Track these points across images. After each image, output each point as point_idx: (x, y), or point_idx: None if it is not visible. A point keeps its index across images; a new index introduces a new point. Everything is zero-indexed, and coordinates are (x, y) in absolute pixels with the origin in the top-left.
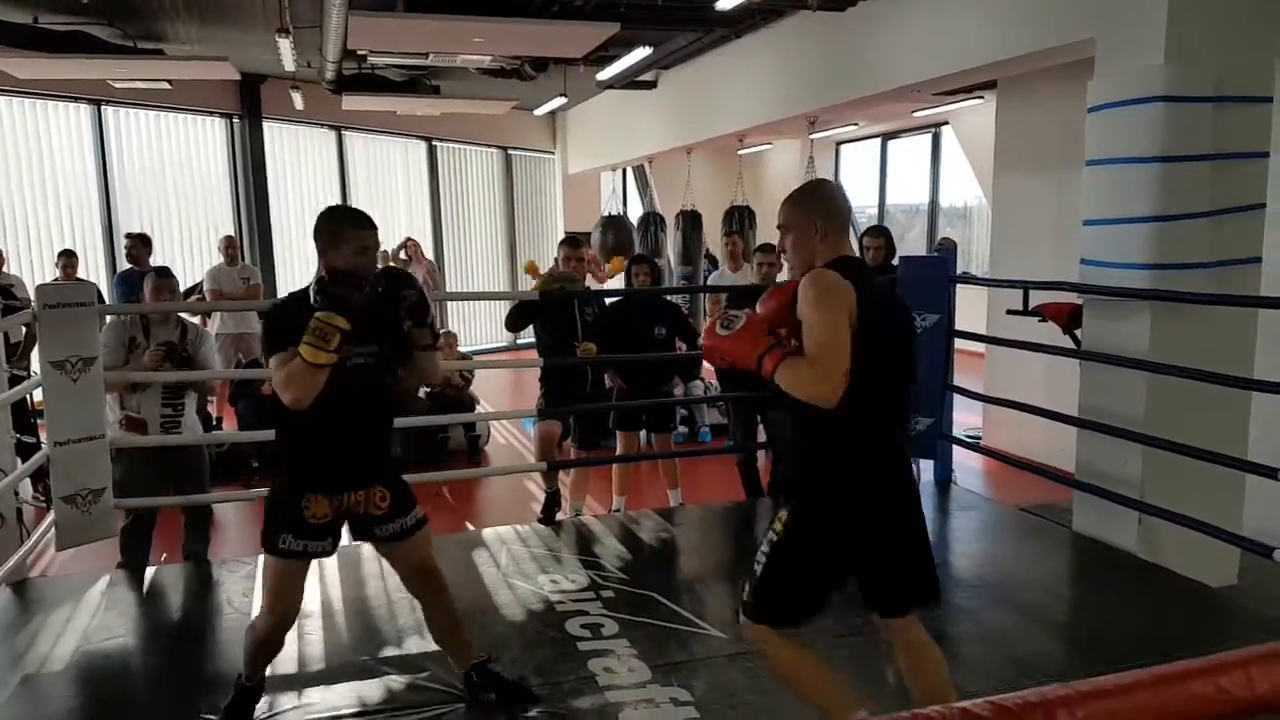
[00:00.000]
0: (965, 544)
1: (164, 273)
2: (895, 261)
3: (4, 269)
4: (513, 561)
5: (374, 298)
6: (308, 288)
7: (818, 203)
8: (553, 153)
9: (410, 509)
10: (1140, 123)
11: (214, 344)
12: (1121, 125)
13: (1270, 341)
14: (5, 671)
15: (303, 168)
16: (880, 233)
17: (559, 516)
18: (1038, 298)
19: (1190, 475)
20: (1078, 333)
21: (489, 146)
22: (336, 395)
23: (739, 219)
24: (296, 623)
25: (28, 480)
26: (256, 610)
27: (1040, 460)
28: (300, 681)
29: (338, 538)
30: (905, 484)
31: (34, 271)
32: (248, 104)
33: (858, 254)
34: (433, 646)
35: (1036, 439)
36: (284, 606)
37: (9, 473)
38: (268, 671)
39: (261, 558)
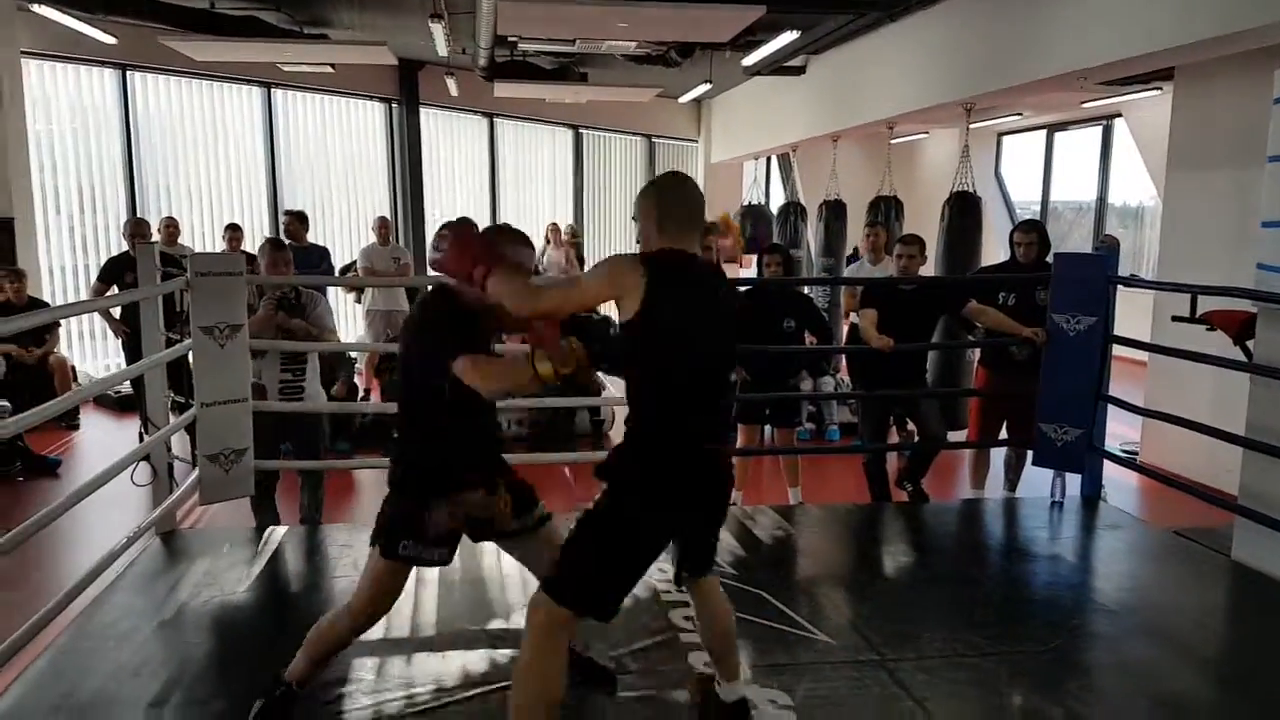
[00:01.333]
0: (1109, 565)
1: (277, 245)
2: (1050, 259)
3: (179, 241)
4: None
5: None
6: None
7: (662, 196)
8: (696, 140)
9: (536, 502)
10: None
11: (329, 307)
12: None
13: None
14: (145, 616)
15: (455, 152)
16: (1032, 228)
17: None
18: (1207, 304)
19: None
20: (1250, 344)
21: (633, 134)
22: (483, 402)
23: (884, 210)
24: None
25: (186, 438)
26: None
27: (1202, 481)
28: (413, 646)
29: (456, 546)
30: (699, 477)
31: (205, 244)
32: (406, 89)
33: (701, 253)
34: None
35: (1200, 458)
36: (377, 609)
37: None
38: (375, 636)
39: (369, 558)
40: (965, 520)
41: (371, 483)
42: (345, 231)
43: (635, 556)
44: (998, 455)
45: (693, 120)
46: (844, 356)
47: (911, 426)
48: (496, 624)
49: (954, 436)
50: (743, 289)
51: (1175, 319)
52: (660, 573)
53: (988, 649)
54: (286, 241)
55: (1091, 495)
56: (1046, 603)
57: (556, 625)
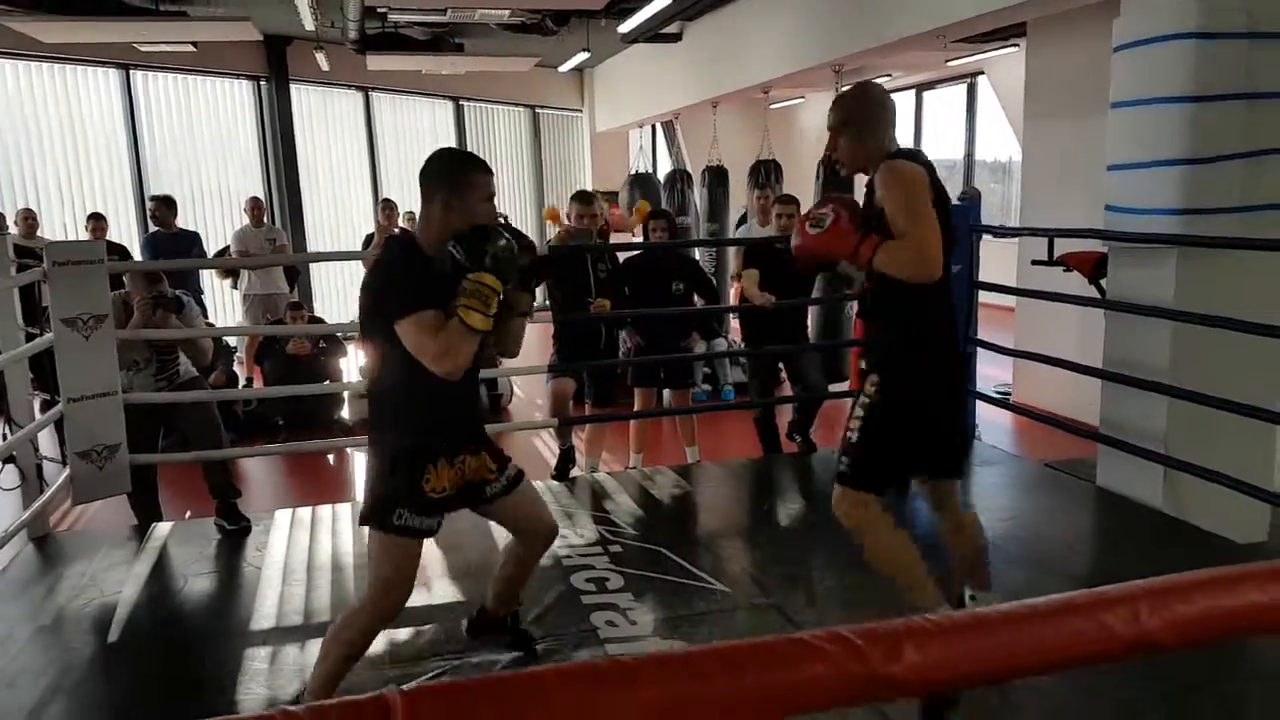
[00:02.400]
0: (987, 499)
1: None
2: None
3: (38, 233)
4: None
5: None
6: (410, 240)
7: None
8: (580, 110)
9: (507, 461)
10: (1169, 61)
11: (197, 311)
12: (1149, 64)
13: None
14: (20, 623)
15: (330, 130)
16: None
17: (574, 474)
18: (1063, 247)
19: (1218, 428)
20: (1103, 282)
21: (516, 105)
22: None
23: (765, 173)
24: (307, 576)
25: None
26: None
27: (1070, 416)
28: (306, 632)
29: (444, 516)
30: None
31: (68, 236)
32: (274, 66)
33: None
34: (435, 600)
35: (1066, 395)
36: (399, 596)
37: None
38: (268, 624)
39: (370, 542)
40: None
41: (259, 474)
42: (218, 216)
43: (917, 435)
44: None
45: (575, 90)
46: (735, 318)
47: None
48: None
49: (838, 388)
50: (631, 254)
51: (1035, 263)
52: (559, 539)
53: (874, 587)
54: (154, 229)
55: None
56: (929, 538)
57: (868, 508)
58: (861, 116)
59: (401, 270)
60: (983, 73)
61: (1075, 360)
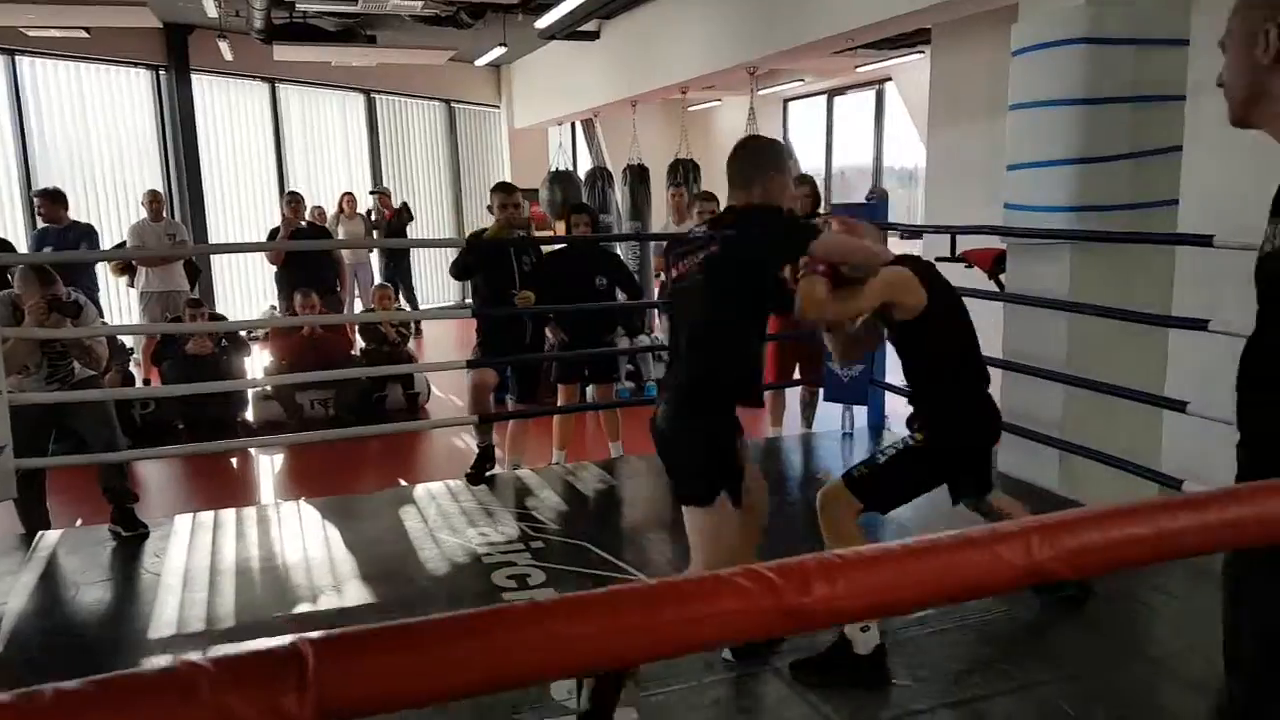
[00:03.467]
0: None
1: (46, 278)
2: (821, 209)
3: None
4: (441, 516)
5: None
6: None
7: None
8: (498, 106)
9: None
10: (1063, 65)
11: (95, 314)
12: (1044, 68)
13: (1187, 281)
14: None
15: (235, 121)
16: (804, 181)
17: (495, 472)
18: (965, 244)
19: (1109, 413)
20: (1002, 277)
21: (431, 99)
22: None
23: (683, 172)
24: (209, 581)
25: None
26: None
27: None
28: (209, 639)
29: None
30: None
31: None
32: (174, 55)
33: None
34: (349, 603)
35: None
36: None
37: None
38: (168, 632)
39: (691, 520)
40: (770, 456)
41: (158, 479)
42: (114, 210)
43: (927, 483)
44: (794, 395)
45: (493, 85)
46: (658, 315)
47: None
48: (302, 608)
49: None
50: (554, 249)
51: (938, 259)
52: (480, 537)
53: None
54: (43, 225)
55: (877, 424)
56: None
57: (852, 516)
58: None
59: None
60: (890, 79)
61: None
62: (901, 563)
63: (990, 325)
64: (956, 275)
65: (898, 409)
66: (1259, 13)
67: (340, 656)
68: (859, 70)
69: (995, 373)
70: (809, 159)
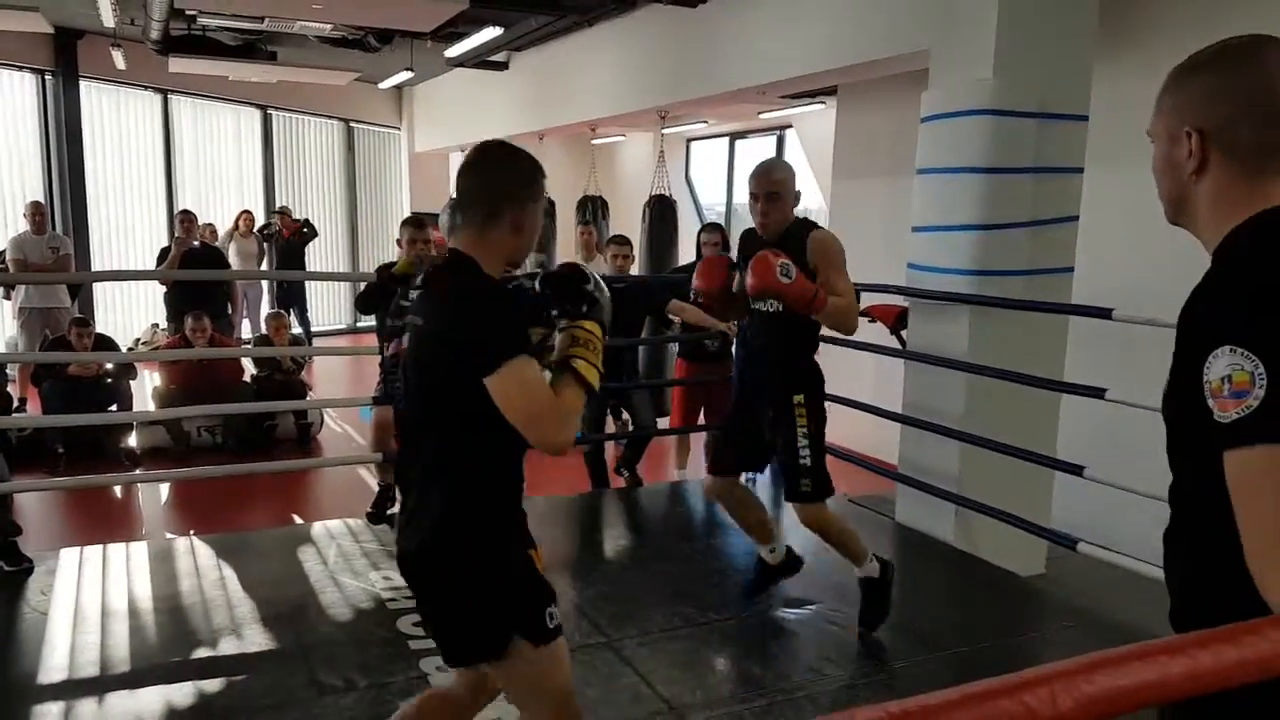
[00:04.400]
0: (796, 533)
1: None
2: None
3: None
4: (342, 558)
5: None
6: (476, 268)
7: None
8: (399, 128)
9: None
10: (968, 134)
11: None
12: (951, 136)
13: (1079, 346)
14: None
15: (123, 132)
16: (715, 229)
17: (393, 512)
18: (868, 299)
19: (1004, 471)
20: (904, 334)
21: (329, 118)
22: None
23: (593, 209)
24: (101, 622)
25: None
26: None
27: (868, 454)
28: (103, 685)
29: None
30: None
31: None
32: (63, 60)
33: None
34: (250, 648)
35: (865, 433)
36: (576, 708)
37: None
38: (59, 677)
39: (508, 668)
40: (675, 501)
41: (37, 509)
42: None
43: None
44: (698, 439)
45: (394, 107)
46: None
47: (626, 416)
48: (202, 652)
49: (662, 423)
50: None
51: None
52: (384, 580)
53: (699, 619)
54: None
55: (775, 469)
56: (747, 571)
57: (827, 510)
58: (792, 186)
59: (508, 305)
60: (790, 126)
61: (871, 403)
62: (937, 716)
63: (886, 377)
64: (861, 330)
65: None
66: (1177, 115)
67: None
68: (761, 116)
69: (895, 426)
70: (710, 196)
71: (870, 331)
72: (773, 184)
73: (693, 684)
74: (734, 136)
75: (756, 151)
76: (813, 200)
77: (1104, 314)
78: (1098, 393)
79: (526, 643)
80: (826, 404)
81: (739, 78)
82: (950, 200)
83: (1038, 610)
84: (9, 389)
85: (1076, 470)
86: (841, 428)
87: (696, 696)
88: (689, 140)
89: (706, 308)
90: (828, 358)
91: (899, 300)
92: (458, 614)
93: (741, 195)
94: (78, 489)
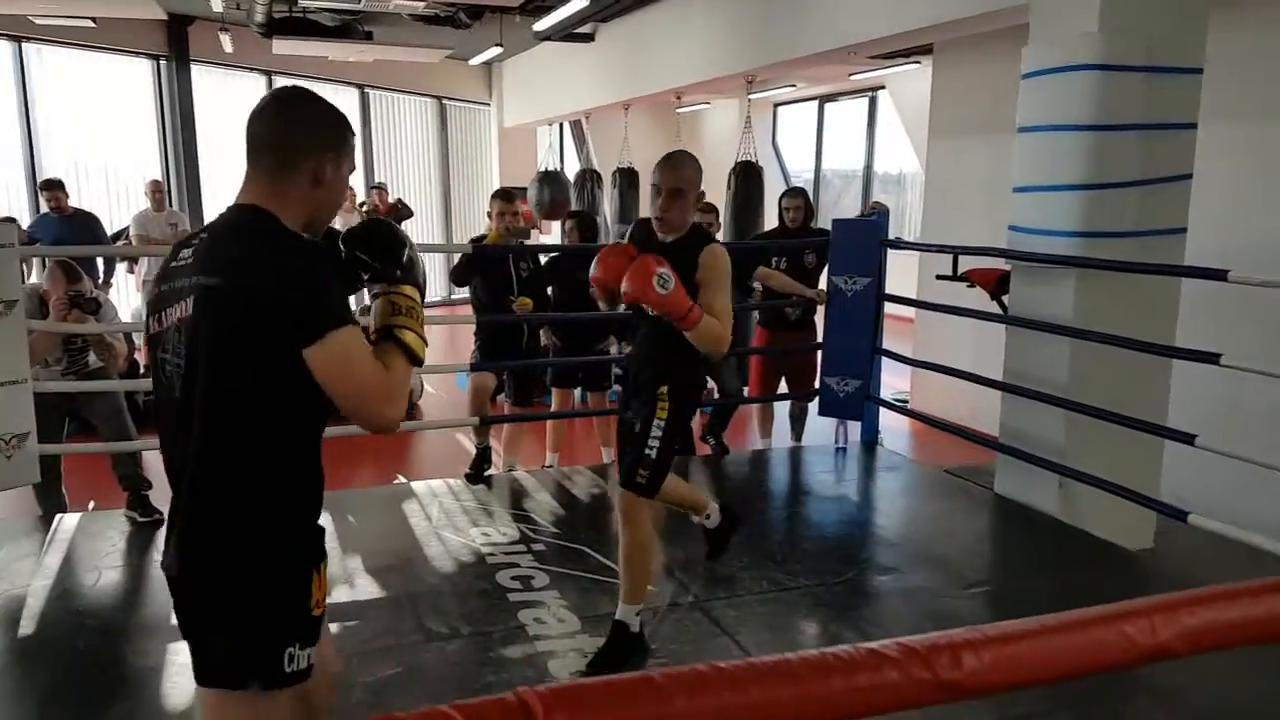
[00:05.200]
0: (888, 503)
1: (72, 273)
2: (814, 224)
3: None
4: (444, 514)
5: None
6: (283, 229)
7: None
8: (488, 104)
9: None
10: (1073, 90)
11: (114, 312)
12: (1055, 92)
13: (1191, 311)
14: None
15: (232, 113)
16: (798, 194)
17: (491, 473)
18: (967, 263)
19: (1111, 440)
20: (1005, 298)
21: (423, 95)
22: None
23: None
24: None
25: None
26: None
27: (965, 424)
28: None
29: None
30: None
31: None
32: (175, 46)
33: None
34: (361, 596)
35: (963, 404)
36: None
37: None
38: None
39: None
40: (763, 469)
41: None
42: (112, 197)
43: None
44: (781, 407)
45: (484, 83)
46: None
47: (711, 384)
48: None
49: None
50: (547, 255)
51: (939, 277)
52: (483, 536)
53: (789, 584)
54: (48, 212)
55: (871, 441)
56: (838, 539)
57: (646, 509)
58: (698, 185)
59: (325, 266)
60: (884, 87)
61: (971, 371)
62: (1043, 639)
63: (987, 345)
64: (959, 295)
65: (892, 424)
66: None
67: (564, 708)
68: (852, 78)
69: (988, 393)
70: (798, 162)
71: (969, 297)
72: (680, 180)
73: (782, 645)
74: (823, 100)
75: (846, 115)
76: (908, 164)
77: (1219, 275)
78: (1212, 358)
79: (257, 683)
80: (928, 372)
81: (828, 38)
82: (1054, 159)
83: (1144, 584)
84: (136, 357)
85: (1188, 439)
86: (937, 398)
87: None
88: (776, 105)
89: (603, 297)
90: (925, 324)
91: (1000, 263)
92: (208, 631)
93: (833, 161)
94: None
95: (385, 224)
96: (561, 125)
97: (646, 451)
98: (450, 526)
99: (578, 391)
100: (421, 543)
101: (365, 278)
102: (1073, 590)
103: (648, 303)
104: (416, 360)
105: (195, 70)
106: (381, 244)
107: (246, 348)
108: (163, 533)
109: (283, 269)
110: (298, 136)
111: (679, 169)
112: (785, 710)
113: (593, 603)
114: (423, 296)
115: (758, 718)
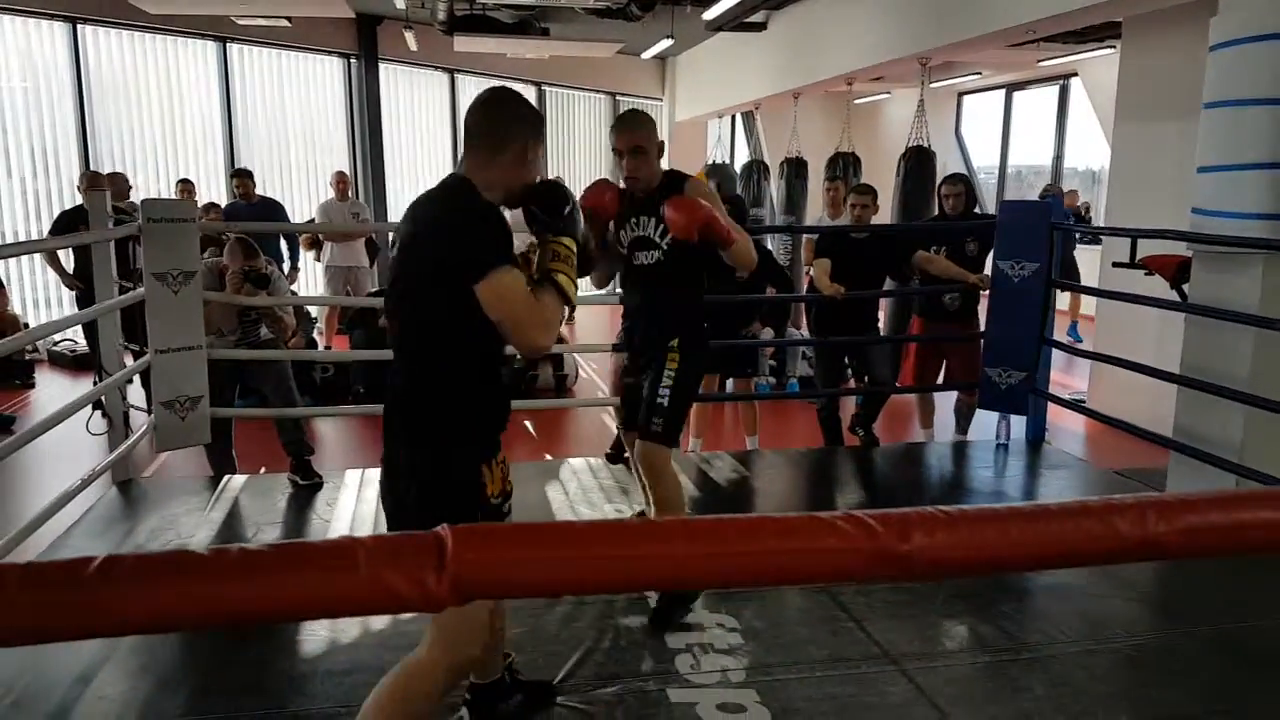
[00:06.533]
0: (1049, 501)
1: (250, 250)
2: (976, 210)
3: (130, 197)
4: (581, 490)
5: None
6: (477, 194)
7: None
8: (661, 99)
9: None
10: (1265, 61)
11: (285, 285)
12: (1244, 64)
13: None
14: None
15: (416, 109)
16: (959, 180)
17: (628, 454)
18: (1147, 249)
19: None
20: (1185, 287)
21: (597, 92)
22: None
23: (843, 166)
24: (373, 528)
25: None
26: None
27: (1144, 427)
28: None
29: None
30: None
31: None
32: (364, 44)
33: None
34: None
35: (1141, 403)
36: (482, 638)
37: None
38: None
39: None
40: (912, 462)
41: (332, 436)
42: (303, 190)
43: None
44: (946, 400)
45: (657, 78)
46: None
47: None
48: None
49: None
50: None
51: (1116, 264)
52: (616, 512)
53: (930, 586)
54: (235, 199)
55: (1035, 438)
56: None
57: (669, 460)
58: (656, 138)
59: (494, 218)
60: (1076, 74)
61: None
62: (1005, 524)
63: (1171, 342)
64: (1137, 282)
65: (1067, 425)
66: None
67: (476, 546)
68: (1041, 64)
69: (1171, 394)
70: (982, 155)
71: (1148, 284)
72: (635, 138)
73: (910, 634)
74: (1010, 88)
75: (1035, 104)
76: (1104, 157)
77: None
78: None
79: None
80: (1107, 372)
81: (1005, 15)
82: (1242, 136)
83: None
84: (315, 336)
85: None
86: (1116, 398)
87: (914, 646)
88: (960, 94)
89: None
90: (1105, 320)
91: (1181, 249)
92: (403, 505)
93: (1022, 156)
94: (367, 417)
95: (555, 183)
96: (733, 117)
97: (659, 400)
98: (585, 502)
99: (727, 380)
100: (556, 515)
101: (533, 228)
102: (1241, 597)
103: (706, 221)
104: (568, 300)
105: (383, 68)
106: (550, 200)
107: (434, 281)
108: (321, 495)
109: (462, 223)
110: (504, 126)
111: (632, 128)
112: (701, 564)
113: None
114: (580, 247)
115: (672, 569)
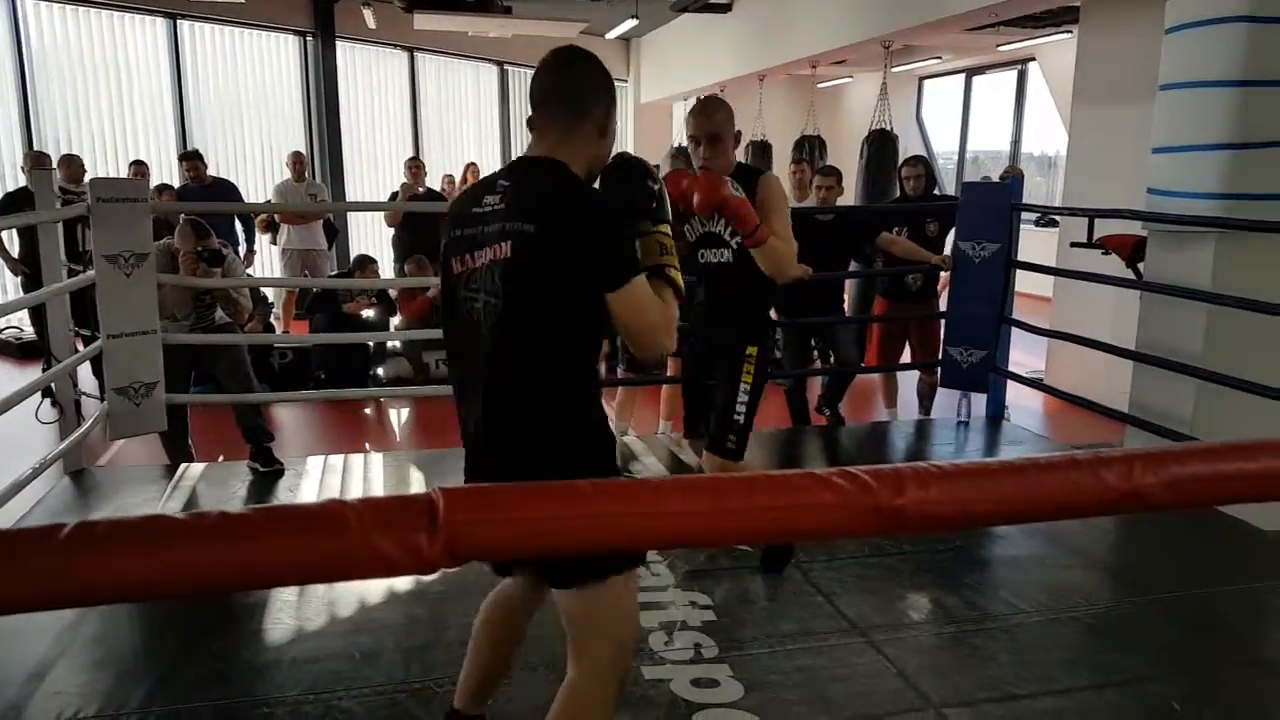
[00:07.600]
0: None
1: (201, 230)
2: (936, 192)
3: (84, 180)
4: None
5: None
6: (581, 181)
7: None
8: (625, 80)
9: None
10: (1219, 44)
11: (241, 267)
12: (1200, 46)
13: None
14: None
15: (374, 88)
16: (918, 161)
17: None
18: (1102, 228)
19: (1246, 413)
20: (1140, 266)
21: None
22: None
23: (809, 148)
24: None
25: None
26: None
27: (1100, 402)
28: None
29: None
30: None
31: None
32: (321, 21)
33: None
34: None
35: (1098, 380)
36: (638, 621)
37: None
38: None
39: (588, 598)
40: (876, 440)
41: (292, 423)
42: (258, 170)
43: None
44: (910, 379)
45: (621, 59)
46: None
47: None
48: None
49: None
50: None
51: (1074, 245)
52: None
53: (891, 550)
54: (187, 182)
55: (995, 414)
56: None
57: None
58: (733, 126)
59: (624, 218)
60: (1034, 59)
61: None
62: (996, 477)
63: (1127, 321)
64: (1094, 262)
65: (1025, 403)
66: None
67: (468, 507)
68: (1000, 49)
69: (1125, 365)
70: (942, 140)
71: (1105, 263)
72: (714, 124)
73: (878, 607)
74: (970, 73)
75: (994, 88)
76: (1060, 144)
77: None
78: None
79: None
80: (1064, 350)
81: None
82: (1197, 117)
83: (1273, 563)
84: (272, 320)
85: None
86: (1073, 375)
87: (882, 619)
88: (921, 78)
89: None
90: (1062, 300)
91: (1138, 229)
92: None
93: (981, 142)
94: (329, 404)
95: (639, 161)
96: (697, 99)
97: (735, 416)
98: None
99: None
100: None
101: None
102: (1194, 567)
103: (722, 202)
104: (682, 295)
105: (340, 47)
106: (643, 182)
107: (558, 286)
108: (282, 482)
109: (590, 220)
110: (586, 88)
111: (712, 114)
112: (698, 522)
113: (688, 559)
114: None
115: (669, 527)
